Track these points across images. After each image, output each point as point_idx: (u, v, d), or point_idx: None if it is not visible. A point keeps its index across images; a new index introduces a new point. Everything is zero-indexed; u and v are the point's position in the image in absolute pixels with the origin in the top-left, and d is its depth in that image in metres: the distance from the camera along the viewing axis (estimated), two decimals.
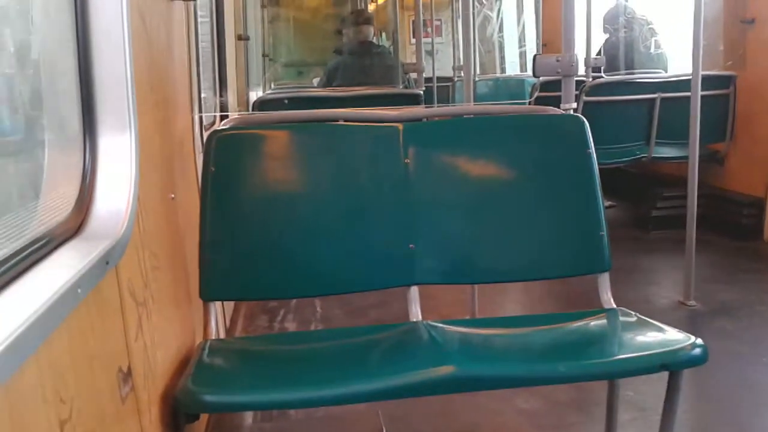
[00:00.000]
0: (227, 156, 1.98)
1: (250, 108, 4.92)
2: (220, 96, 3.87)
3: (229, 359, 1.80)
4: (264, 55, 8.10)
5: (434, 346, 1.76)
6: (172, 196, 1.92)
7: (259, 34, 7.91)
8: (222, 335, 1.95)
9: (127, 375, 1.29)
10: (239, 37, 5.25)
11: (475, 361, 1.67)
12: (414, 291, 1.99)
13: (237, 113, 4.39)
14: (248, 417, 2.46)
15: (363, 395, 1.53)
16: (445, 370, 1.54)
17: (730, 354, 2.88)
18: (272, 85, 8.02)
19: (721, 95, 4.81)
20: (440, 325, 1.88)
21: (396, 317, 2.03)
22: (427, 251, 2.01)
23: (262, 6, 8.20)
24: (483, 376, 1.59)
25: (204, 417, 2.03)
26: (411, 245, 2.00)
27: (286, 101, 4.63)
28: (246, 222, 1.98)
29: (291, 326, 3.37)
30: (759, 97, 4.64)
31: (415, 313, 1.96)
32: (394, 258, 2.02)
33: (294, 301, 3.56)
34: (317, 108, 3.94)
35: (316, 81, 6.83)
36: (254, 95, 5.79)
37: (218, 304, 1.94)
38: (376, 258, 2.03)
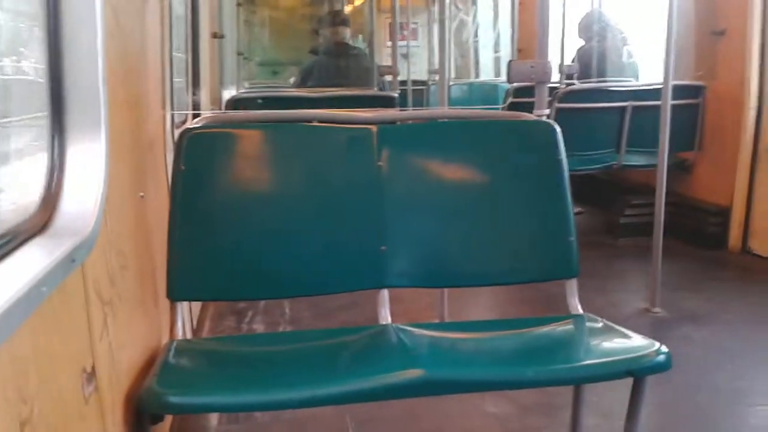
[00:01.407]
0: (199, 155, 1.97)
1: (224, 107, 4.89)
2: (193, 94, 3.84)
3: (196, 360, 1.78)
4: (239, 54, 8.05)
5: (403, 349, 1.76)
6: (142, 194, 1.90)
7: (235, 32, 7.86)
8: (189, 336, 1.93)
9: (91, 375, 1.27)
10: (214, 35, 5.21)
11: (444, 365, 1.67)
12: (384, 294, 1.99)
13: (210, 112, 4.36)
14: (213, 419, 2.44)
15: (330, 398, 1.53)
16: (414, 373, 1.54)
17: (694, 361, 2.93)
18: (246, 84, 7.97)
19: (690, 105, 4.89)
20: (409, 328, 1.88)
21: (366, 320, 2.03)
22: (398, 254, 2.02)
23: (238, 4, 8.14)
24: (451, 379, 1.59)
25: (168, 418, 2.01)
26: (382, 248, 2.00)
27: (259, 101, 4.61)
28: (216, 222, 1.97)
29: (259, 328, 3.35)
30: (727, 107, 4.73)
31: (385, 316, 1.96)
32: (365, 260, 2.01)
33: (263, 302, 3.54)
34: (291, 108, 3.92)
35: (292, 81, 6.81)
36: (228, 94, 5.75)
37: (185, 304, 1.92)
38: (346, 260, 2.02)
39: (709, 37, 4.87)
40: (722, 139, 4.79)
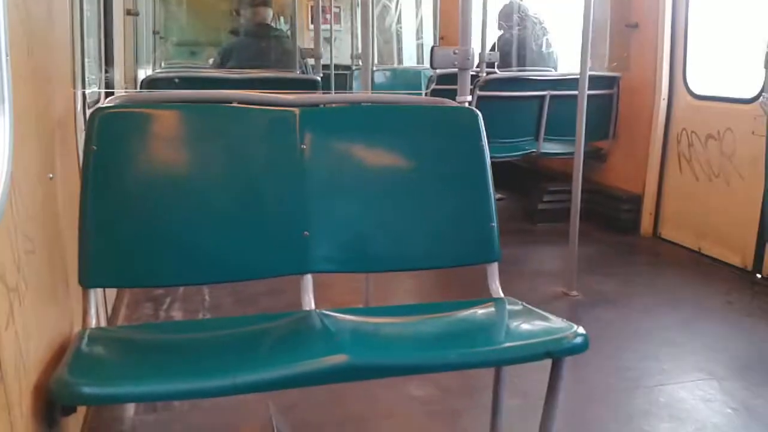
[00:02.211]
0: (111, 135, 1.88)
1: (138, 86, 4.71)
2: (106, 72, 3.68)
3: (110, 349, 1.71)
4: (155, 32, 7.77)
5: (327, 334, 1.75)
6: (51, 175, 1.80)
7: (150, 10, 7.58)
8: (103, 324, 1.85)
9: None
10: (128, 12, 5.01)
11: (368, 350, 1.67)
12: (307, 279, 1.96)
13: (123, 91, 4.19)
14: (130, 408, 2.36)
15: (252, 386, 1.49)
16: (338, 359, 1.53)
17: (608, 341, 3.04)
18: (163, 64, 7.71)
19: (605, 95, 5.05)
20: (333, 313, 1.87)
21: (288, 306, 2.00)
22: (322, 239, 1.99)
23: None
24: (375, 364, 1.59)
25: (82, 410, 1.93)
26: (305, 232, 1.98)
27: (176, 80, 4.46)
28: (130, 205, 1.89)
29: (177, 315, 3.26)
30: (639, 98, 4.90)
31: (308, 302, 1.94)
32: (288, 245, 1.98)
33: (181, 288, 3.45)
34: (210, 89, 3.81)
35: (211, 61, 6.63)
36: (143, 73, 5.55)
37: (99, 291, 1.84)
38: (268, 245, 1.98)
39: (623, 29, 5.03)
40: (635, 129, 4.97)
